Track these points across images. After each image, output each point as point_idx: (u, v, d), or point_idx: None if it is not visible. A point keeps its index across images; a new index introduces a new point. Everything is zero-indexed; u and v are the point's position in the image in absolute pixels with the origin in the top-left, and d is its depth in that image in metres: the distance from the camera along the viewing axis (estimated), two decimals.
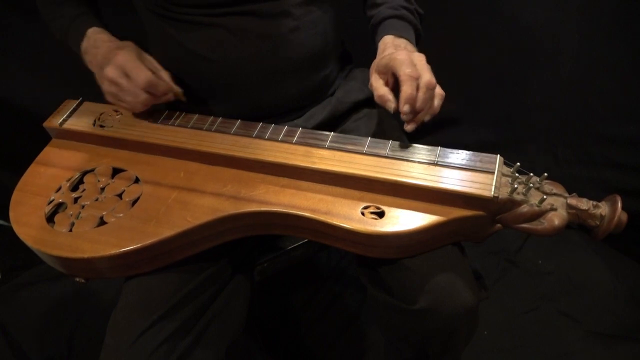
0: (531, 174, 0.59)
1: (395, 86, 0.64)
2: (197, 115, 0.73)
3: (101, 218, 0.65)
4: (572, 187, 0.61)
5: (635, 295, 1.18)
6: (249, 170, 0.67)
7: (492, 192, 0.57)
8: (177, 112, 0.74)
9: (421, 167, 0.62)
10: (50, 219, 0.66)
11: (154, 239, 0.60)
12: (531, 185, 0.58)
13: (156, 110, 0.75)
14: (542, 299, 1.19)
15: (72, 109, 0.77)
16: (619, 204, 0.56)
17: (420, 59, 0.63)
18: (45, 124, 0.76)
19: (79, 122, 0.75)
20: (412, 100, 0.59)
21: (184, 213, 0.63)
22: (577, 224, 0.59)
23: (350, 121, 0.82)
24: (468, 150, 0.63)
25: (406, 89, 0.59)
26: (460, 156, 0.63)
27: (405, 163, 0.63)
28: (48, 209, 0.67)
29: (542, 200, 0.57)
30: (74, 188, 0.70)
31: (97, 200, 0.67)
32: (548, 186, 0.59)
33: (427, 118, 0.62)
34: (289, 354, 1.14)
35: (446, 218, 0.59)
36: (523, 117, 1.34)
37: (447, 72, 1.22)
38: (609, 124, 1.24)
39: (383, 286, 0.66)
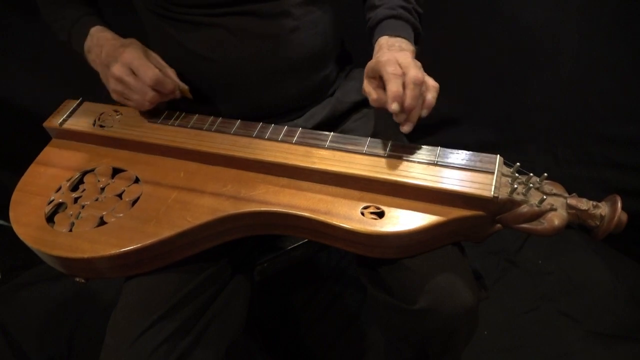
0: (531, 174, 0.59)
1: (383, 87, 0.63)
2: (197, 115, 0.73)
3: (101, 218, 0.65)
4: (572, 187, 0.61)
5: (635, 295, 1.18)
6: (248, 170, 0.67)
7: (492, 192, 0.57)
8: (177, 112, 0.74)
9: (421, 167, 0.62)
10: (50, 219, 0.66)
11: (154, 239, 0.60)
12: (531, 185, 0.58)
13: (156, 111, 0.75)
14: (542, 299, 1.19)
15: (72, 109, 0.77)
16: (619, 204, 0.56)
17: (404, 56, 0.61)
18: (45, 124, 0.76)
19: (79, 122, 0.75)
20: (399, 98, 0.57)
21: (184, 213, 0.63)
22: (577, 224, 0.59)
23: (350, 121, 0.82)
24: (468, 150, 0.63)
25: (391, 87, 0.57)
26: (460, 156, 0.63)
27: (405, 163, 0.63)
28: (48, 209, 0.67)
29: (542, 201, 0.57)
30: (74, 188, 0.70)
31: (97, 200, 0.67)
32: (548, 186, 0.59)
33: (424, 113, 0.60)
34: (289, 354, 1.14)
35: (446, 218, 0.59)
36: (523, 117, 1.34)
37: (447, 72, 1.22)
38: (609, 124, 1.24)
39: (383, 286, 0.66)
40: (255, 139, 0.69)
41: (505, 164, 0.62)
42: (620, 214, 0.56)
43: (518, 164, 0.60)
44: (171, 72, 0.71)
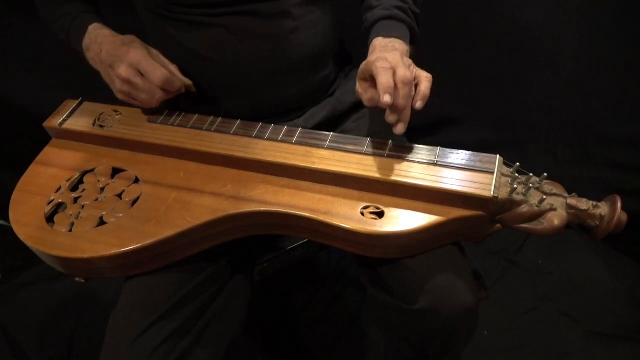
0: (531, 174, 0.59)
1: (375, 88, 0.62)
2: (196, 115, 0.73)
3: (101, 218, 0.65)
4: (572, 187, 0.61)
5: (635, 295, 1.18)
6: (248, 170, 0.67)
7: (492, 192, 0.57)
8: (177, 112, 0.74)
9: (421, 167, 0.62)
10: (50, 219, 0.66)
11: (153, 239, 0.60)
12: (531, 185, 0.58)
13: (156, 111, 0.75)
14: (542, 299, 1.19)
15: (72, 109, 0.77)
16: (619, 204, 0.56)
17: (393, 55, 0.60)
18: (45, 124, 0.76)
19: (79, 122, 0.75)
20: (390, 90, 0.56)
21: (184, 213, 0.63)
22: (577, 224, 0.59)
23: (350, 121, 0.82)
24: (468, 150, 0.63)
25: (381, 80, 0.56)
26: (460, 156, 0.63)
27: (405, 163, 0.63)
28: (48, 209, 0.67)
29: (541, 201, 0.57)
30: (74, 188, 0.70)
31: (97, 200, 0.67)
32: (548, 186, 0.59)
33: (419, 105, 0.59)
34: (289, 354, 1.14)
35: (446, 218, 0.59)
36: (523, 117, 1.34)
37: (447, 72, 1.23)
38: (609, 124, 1.24)
39: (383, 286, 0.66)
40: (255, 139, 0.69)
41: (505, 164, 0.62)
42: (620, 214, 0.56)
43: (518, 164, 0.60)
44: (175, 69, 0.71)
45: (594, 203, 0.58)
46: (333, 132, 0.68)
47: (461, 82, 1.30)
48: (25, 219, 0.66)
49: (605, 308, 1.16)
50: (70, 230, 0.64)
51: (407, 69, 0.58)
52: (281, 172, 0.66)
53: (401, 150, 0.64)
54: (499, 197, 0.57)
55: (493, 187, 0.58)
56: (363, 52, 0.71)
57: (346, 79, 0.86)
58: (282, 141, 0.68)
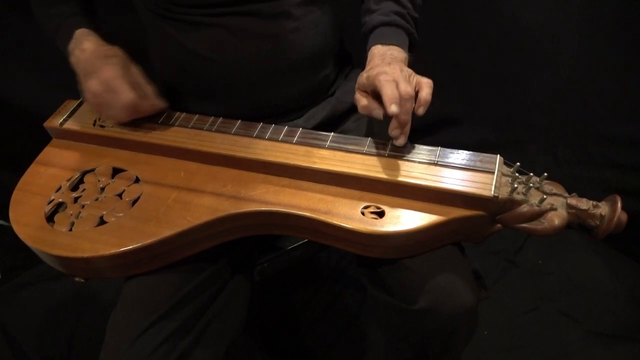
0: (531, 174, 0.59)
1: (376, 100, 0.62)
2: (197, 115, 0.73)
3: (101, 217, 0.65)
4: (572, 187, 0.61)
5: (635, 295, 1.18)
6: (249, 170, 0.67)
7: (492, 192, 0.57)
8: (178, 113, 0.74)
9: (421, 167, 0.62)
10: (50, 218, 0.66)
11: (153, 238, 0.60)
12: (531, 185, 0.58)
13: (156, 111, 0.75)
14: (542, 299, 1.19)
15: (72, 109, 0.77)
16: (619, 204, 0.56)
17: (393, 69, 0.61)
18: (46, 124, 0.76)
19: (79, 122, 0.75)
20: (396, 100, 0.57)
21: (184, 213, 0.63)
22: (577, 224, 0.59)
23: (350, 121, 0.82)
24: (468, 150, 0.63)
25: (386, 91, 0.57)
26: (460, 156, 0.63)
27: (406, 163, 0.63)
28: (48, 208, 0.67)
29: (542, 200, 0.57)
30: (74, 188, 0.70)
31: (97, 200, 0.67)
32: (548, 186, 0.59)
33: (421, 111, 0.60)
34: (289, 354, 1.14)
35: (446, 218, 0.59)
36: (523, 117, 1.34)
37: (447, 72, 1.23)
38: (609, 124, 1.24)
39: (383, 286, 0.66)
40: (256, 139, 0.69)
41: (505, 163, 0.62)
42: (620, 214, 0.56)
43: (518, 164, 0.60)
44: (149, 90, 0.70)
45: (594, 203, 0.58)
46: (333, 132, 0.68)
47: (461, 82, 1.30)
48: (26, 219, 0.66)
49: (605, 308, 1.16)
50: (71, 230, 0.64)
51: (407, 84, 0.59)
52: (282, 172, 0.66)
53: (401, 150, 0.64)
54: (500, 196, 0.57)
55: (493, 187, 0.58)
56: (363, 53, 0.71)
57: (346, 79, 0.86)
58: (282, 141, 0.68)
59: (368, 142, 0.66)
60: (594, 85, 1.21)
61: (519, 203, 0.58)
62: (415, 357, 0.72)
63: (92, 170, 0.72)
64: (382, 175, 0.61)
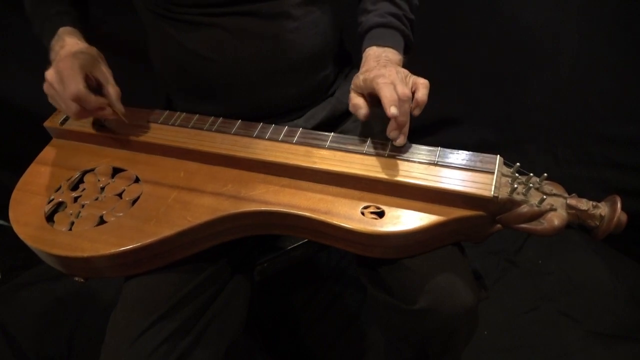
0: (531, 174, 0.59)
1: (372, 102, 0.63)
2: (197, 115, 0.73)
3: (101, 217, 0.65)
4: (572, 187, 0.61)
5: (635, 295, 1.18)
6: (249, 170, 0.67)
7: (492, 192, 0.57)
8: (178, 113, 0.74)
9: (421, 167, 0.62)
10: (50, 218, 0.66)
11: (153, 238, 0.60)
12: (531, 185, 0.58)
13: (156, 111, 0.75)
14: (542, 299, 1.19)
15: None
16: (619, 205, 0.56)
17: (389, 72, 0.61)
18: (46, 124, 0.76)
19: (79, 122, 0.75)
20: (395, 102, 0.57)
21: (184, 212, 0.63)
22: (577, 224, 0.59)
23: (350, 121, 0.82)
24: (468, 150, 0.63)
25: (385, 94, 0.58)
26: (460, 156, 0.63)
27: (406, 163, 0.63)
28: (48, 208, 0.67)
29: (542, 201, 0.57)
30: (74, 187, 0.70)
31: (97, 199, 0.67)
32: (548, 186, 0.60)
33: (417, 112, 0.61)
34: (289, 354, 1.14)
35: (446, 218, 0.59)
36: (523, 117, 1.34)
37: (447, 72, 1.23)
38: (609, 124, 1.24)
39: (383, 286, 0.66)
40: (256, 139, 0.69)
41: (505, 164, 0.62)
42: (620, 214, 0.56)
43: (518, 164, 0.60)
44: (112, 90, 0.67)
45: (594, 203, 0.58)
46: (333, 132, 0.68)
47: (461, 82, 1.30)
48: (25, 219, 0.66)
49: (605, 308, 1.16)
50: (70, 230, 0.64)
51: (404, 85, 0.59)
52: (282, 172, 0.66)
53: (401, 150, 0.64)
54: (499, 196, 0.57)
55: (493, 187, 0.58)
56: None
57: (346, 79, 0.86)
58: (282, 141, 0.68)
59: (368, 142, 0.66)
60: (594, 85, 1.21)
61: (519, 203, 0.58)
62: (415, 357, 0.72)
63: (92, 170, 0.72)
64: (382, 175, 0.61)
